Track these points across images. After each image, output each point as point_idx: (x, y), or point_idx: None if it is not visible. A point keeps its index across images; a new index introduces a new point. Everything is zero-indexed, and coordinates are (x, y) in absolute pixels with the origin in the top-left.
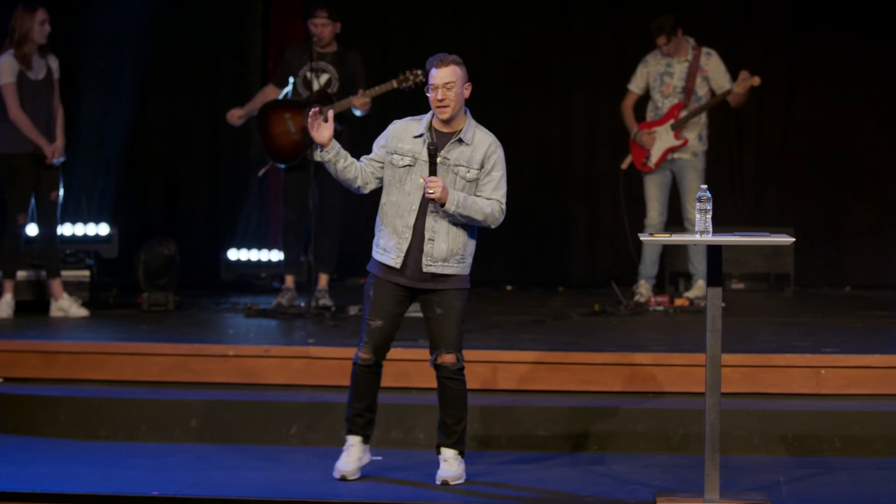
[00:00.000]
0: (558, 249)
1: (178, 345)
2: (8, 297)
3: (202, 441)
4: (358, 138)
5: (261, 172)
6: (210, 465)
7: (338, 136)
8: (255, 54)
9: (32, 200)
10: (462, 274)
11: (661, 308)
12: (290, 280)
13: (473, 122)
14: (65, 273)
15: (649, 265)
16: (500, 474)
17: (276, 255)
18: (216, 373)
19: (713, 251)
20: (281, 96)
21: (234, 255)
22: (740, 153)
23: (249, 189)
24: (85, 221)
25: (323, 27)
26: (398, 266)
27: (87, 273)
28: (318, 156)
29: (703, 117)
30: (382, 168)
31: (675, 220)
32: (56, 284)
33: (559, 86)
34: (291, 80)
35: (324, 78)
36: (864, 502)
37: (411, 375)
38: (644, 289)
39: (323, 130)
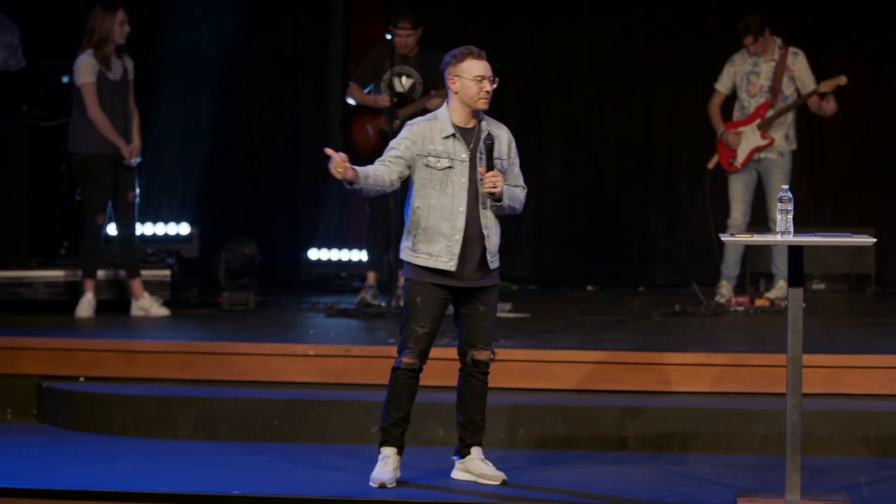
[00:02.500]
0: (640, 249)
1: (259, 344)
2: (89, 296)
3: (284, 441)
4: None
5: None
6: (291, 464)
7: None
8: (336, 54)
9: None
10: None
11: (741, 308)
12: (371, 277)
13: (481, 114)
14: (145, 273)
15: (731, 265)
16: (582, 475)
17: (356, 255)
18: (297, 372)
19: (794, 252)
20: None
21: (314, 254)
22: (822, 153)
23: (331, 188)
24: (166, 221)
25: (407, 37)
26: (454, 269)
27: (167, 272)
28: (349, 186)
29: (790, 117)
30: (407, 163)
31: (759, 220)
32: (136, 284)
33: (641, 85)
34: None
35: (407, 82)
36: None
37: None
38: (725, 289)
39: (346, 171)
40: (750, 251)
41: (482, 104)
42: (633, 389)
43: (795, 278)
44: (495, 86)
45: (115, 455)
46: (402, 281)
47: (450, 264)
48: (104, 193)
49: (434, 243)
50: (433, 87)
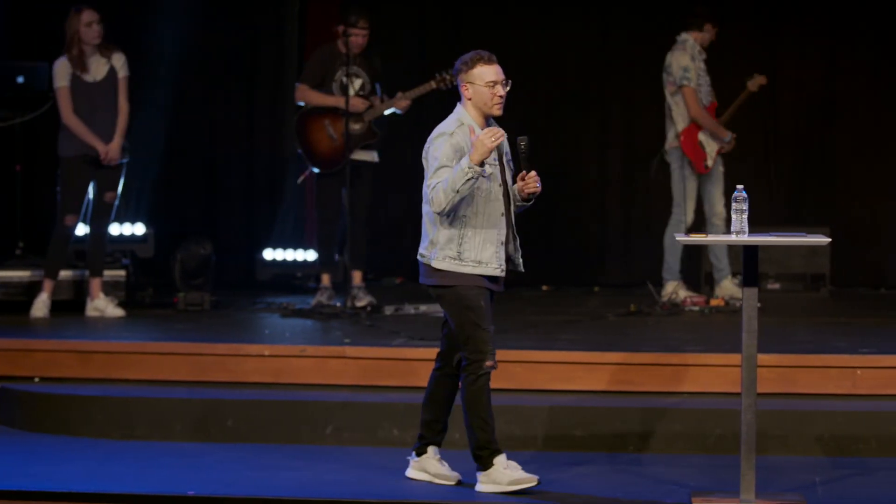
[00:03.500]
0: (595, 250)
1: (215, 344)
2: (44, 296)
3: (238, 441)
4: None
5: (300, 180)
6: (246, 464)
7: (374, 137)
8: (291, 56)
9: (89, 201)
10: None
11: (696, 308)
12: (326, 279)
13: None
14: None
15: (677, 263)
16: (537, 474)
17: (311, 255)
18: (252, 372)
19: (749, 251)
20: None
21: (269, 254)
22: (776, 153)
23: (285, 189)
24: (122, 221)
25: (364, 37)
26: (503, 275)
27: (123, 273)
28: (478, 170)
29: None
30: None
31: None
32: (95, 284)
33: (597, 85)
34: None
35: (357, 82)
36: None
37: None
38: (677, 287)
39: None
40: (702, 251)
41: (497, 110)
42: (587, 389)
43: (750, 278)
44: (508, 88)
45: (70, 455)
46: (356, 280)
47: (500, 269)
48: (76, 195)
49: (483, 251)
50: (373, 88)
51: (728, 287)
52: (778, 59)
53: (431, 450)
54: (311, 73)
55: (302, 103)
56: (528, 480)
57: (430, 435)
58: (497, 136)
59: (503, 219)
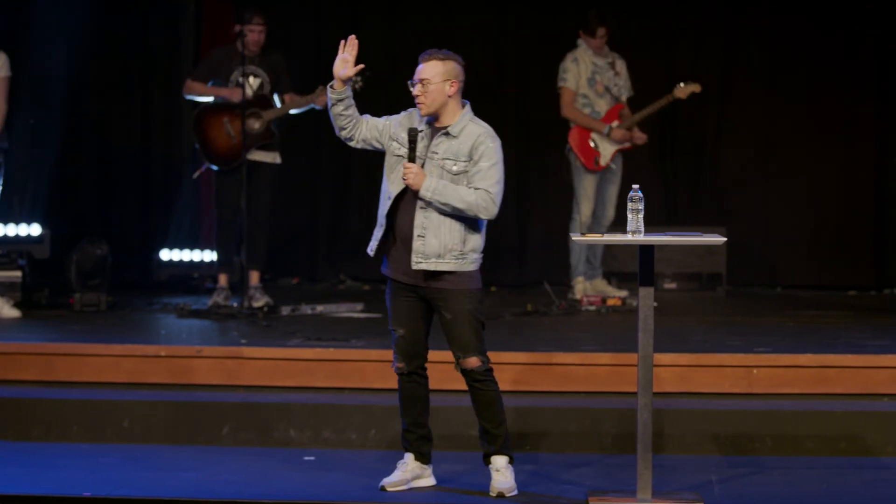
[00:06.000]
0: (491, 249)
1: (111, 345)
2: None
3: (135, 442)
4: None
5: (196, 175)
6: (142, 465)
7: (272, 138)
8: (187, 54)
9: None
10: (464, 271)
11: (593, 308)
12: (223, 279)
13: (469, 116)
14: None
15: (583, 262)
16: (434, 474)
17: (208, 256)
18: (149, 373)
19: (645, 251)
20: (200, 99)
21: (166, 255)
22: (673, 153)
23: (182, 189)
24: (17, 222)
25: (260, 33)
26: (371, 253)
27: (18, 273)
28: (329, 92)
29: None
30: (379, 136)
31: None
32: None
33: (493, 80)
34: (211, 83)
35: (255, 81)
36: (795, 501)
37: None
38: (580, 284)
39: (349, 67)
40: (600, 250)
41: (419, 108)
42: None
43: (646, 277)
44: (416, 89)
45: None
46: (253, 281)
47: (371, 246)
48: None
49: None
50: (277, 87)
51: (600, 287)
52: (674, 58)
53: (493, 459)
54: (202, 69)
55: (189, 97)
56: (382, 483)
57: (482, 444)
58: (342, 60)
59: (388, 203)
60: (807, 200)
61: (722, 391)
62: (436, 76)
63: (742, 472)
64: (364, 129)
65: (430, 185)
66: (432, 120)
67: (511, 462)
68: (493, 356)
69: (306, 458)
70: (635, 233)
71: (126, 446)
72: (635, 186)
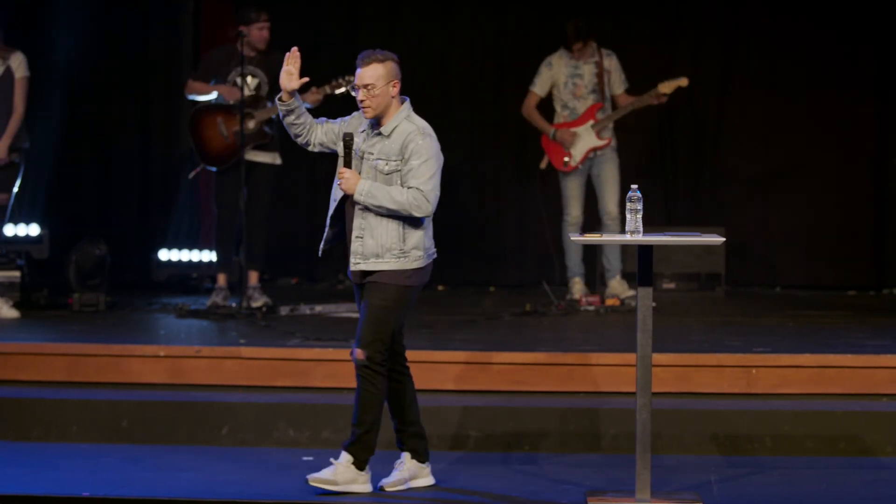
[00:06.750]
0: (490, 249)
1: (110, 345)
2: None
3: (134, 442)
4: None
5: (192, 175)
6: (141, 465)
7: (270, 139)
8: (186, 54)
9: None
10: (396, 269)
11: (592, 308)
12: (222, 279)
13: (404, 115)
14: None
15: (578, 263)
16: (434, 475)
17: (207, 256)
18: (147, 373)
19: (644, 251)
20: (202, 98)
21: (165, 255)
22: (672, 152)
23: (180, 189)
24: (16, 222)
25: (267, 30)
26: (320, 254)
27: (17, 274)
28: (278, 104)
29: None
30: (335, 138)
31: (594, 218)
32: None
33: (491, 82)
34: (212, 82)
35: (253, 82)
36: (794, 501)
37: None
38: (578, 285)
39: (293, 79)
40: (598, 250)
41: (364, 112)
42: (482, 389)
43: (645, 278)
44: (360, 94)
45: None
46: (252, 281)
47: (321, 248)
48: None
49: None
50: (276, 87)
51: (615, 286)
52: (673, 58)
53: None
54: (203, 69)
55: (191, 97)
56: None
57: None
58: (286, 73)
59: (334, 204)
60: (806, 200)
61: (721, 391)
62: (379, 79)
63: (741, 472)
64: (319, 133)
65: (363, 189)
66: (374, 121)
67: (355, 465)
68: (492, 356)
69: (305, 458)
70: (634, 233)
71: (125, 446)
72: (634, 186)
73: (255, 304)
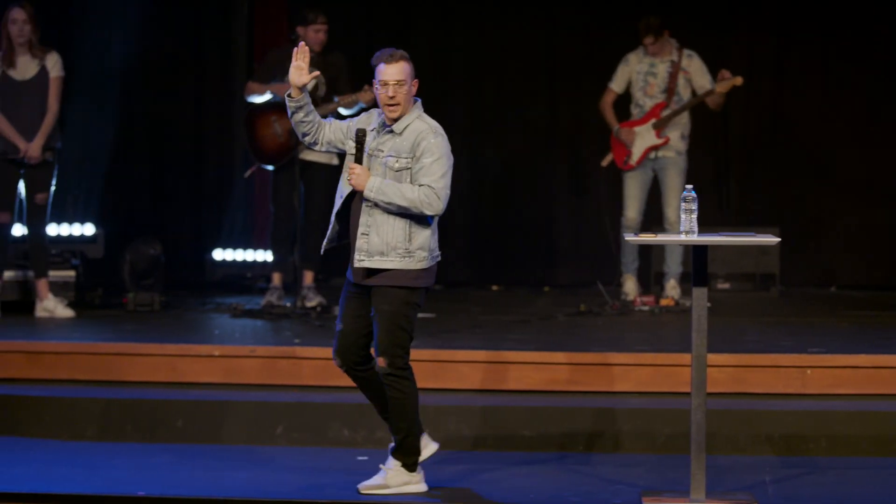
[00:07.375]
0: (544, 249)
1: (164, 345)
2: None
3: (188, 441)
4: None
5: (247, 174)
6: (195, 465)
7: None
8: (240, 54)
9: (21, 201)
10: (408, 269)
11: (646, 308)
12: (277, 278)
13: (416, 114)
14: (50, 273)
15: (631, 261)
16: (487, 474)
17: (261, 255)
18: (202, 373)
19: (698, 251)
20: (260, 100)
21: (219, 255)
22: (727, 153)
23: (235, 189)
24: (70, 222)
25: (325, 33)
26: (322, 252)
27: (72, 273)
28: (287, 101)
29: (686, 116)
30: (343, 137)
31: (654, 219)
32: (42, 285)
33: (545, 86)
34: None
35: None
36: (849, 502)
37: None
38: (630, 281)
39: (303, 74)
40: (655, 251)
41: (389, 111)
42: (536, 389)
43: (699, 278)
44: (391, 91)
45: (19, 456)
46: (307, 281)
47: (326, 246)
48: (4, 193)
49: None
50: (335, 88)
51: (668, 288)
52: (728, 59)
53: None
54: (261, 71)
55: (250, 98)
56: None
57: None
58: (296, 68)
59: (339, 202)
60: (861, 199)
61: (776, 391)
62: (408, 76)
63: (796, 473)
64: (328, 132)
65: (374, 185)
66: (381, 122)
67: (406, 468)
68: (546, 356)
69: (360, 457)
70: (689, 233)
71: (179, 446)
72: (689, 186)
73: (309, 304)
